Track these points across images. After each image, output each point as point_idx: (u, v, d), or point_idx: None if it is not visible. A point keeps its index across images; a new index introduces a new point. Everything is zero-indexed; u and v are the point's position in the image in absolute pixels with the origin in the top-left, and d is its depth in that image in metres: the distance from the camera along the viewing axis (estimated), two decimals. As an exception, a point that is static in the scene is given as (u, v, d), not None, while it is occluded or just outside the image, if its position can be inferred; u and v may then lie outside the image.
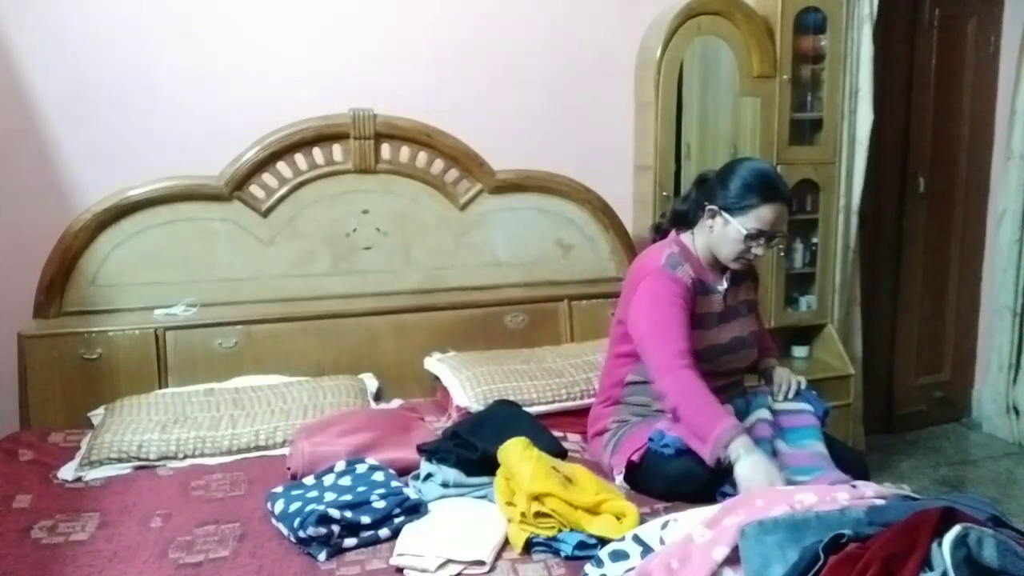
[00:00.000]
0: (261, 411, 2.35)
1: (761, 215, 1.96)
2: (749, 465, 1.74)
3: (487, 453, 1.87)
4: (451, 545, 1.59)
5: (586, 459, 2.12)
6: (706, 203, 2.04)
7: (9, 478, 2.02)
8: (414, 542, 1.62)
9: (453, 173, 2.93)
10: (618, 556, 1.49)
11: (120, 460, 2.11)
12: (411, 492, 1.80)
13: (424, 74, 2.94)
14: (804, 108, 3.19)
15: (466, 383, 2.46)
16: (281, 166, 2.76)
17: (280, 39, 2.80)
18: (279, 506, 1.74)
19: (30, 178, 2.63)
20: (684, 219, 2.14)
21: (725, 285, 2.11)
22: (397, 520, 1.71)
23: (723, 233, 2.02)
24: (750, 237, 1.98)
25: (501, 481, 1.78)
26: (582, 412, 2.33)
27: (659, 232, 2.22)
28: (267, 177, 2.75)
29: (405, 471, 1.96)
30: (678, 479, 1.86)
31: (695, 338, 1.99)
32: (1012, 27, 3.70)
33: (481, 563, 1.56)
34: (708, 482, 1.84)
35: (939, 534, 1.32)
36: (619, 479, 1.97)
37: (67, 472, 2.08)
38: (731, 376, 2.14)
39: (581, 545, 1.60)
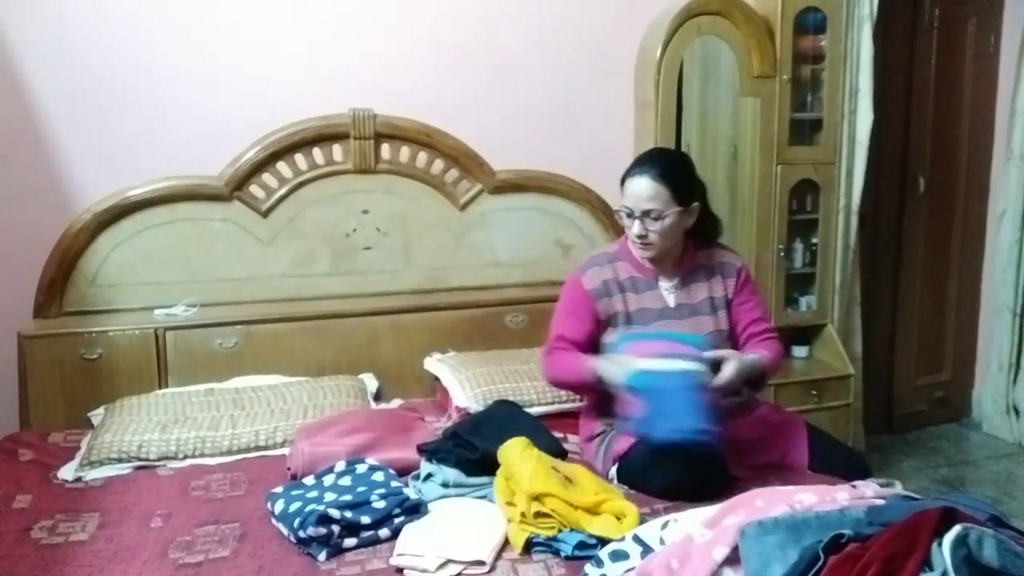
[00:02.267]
0: (261, 411, 2.35)
1: (626, 190, 2.02)
2: (607, 367, 1.92)
3: (487, 453, 1.87)
4: (451, 545, 1.59)
5: (586, 460, 2.12)
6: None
7: (9, 478, 2.02)
8: (414, 542, 1.62)
9: (453, 173, 2.93)
10: (618, 556, 1.49)
11: (120, 460, 2.11)
12: (411, 492, 1.80)
13: (424, 74, 2.94)
14: (804, 108, 3.19)
15: (466, 383, 2.46)
16: (281, 166, 2.76)
17: (280, 39, 2.80)
18: (279, 506, 1.74)
19: (30, 178, 2.63)
20: None
21: (674, 281, 2.11)
22: (397, 520, 1.71)
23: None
24: (626, 215, 2.02)
25: (501, 481, 1.78)
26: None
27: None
28: (267, 177, 2.75)
29: (405, 471, 1.96)
30: (665, 487, 1.85)
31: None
32: (1012, 27, 3.70)
33: (481, 563, 1.56)
34: (695, 489, 1.81)
35: (939, 534, 1.32)
36: (613, 479, 1.96)
37: (67, 472, 2.08)
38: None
39: (581, 545, 1.60)
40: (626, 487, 1.92)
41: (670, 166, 2.05)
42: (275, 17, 2.79)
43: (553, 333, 2.10)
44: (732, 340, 2.13)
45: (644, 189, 1.99)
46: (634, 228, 2.01)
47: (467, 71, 3.00)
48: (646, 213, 1.99)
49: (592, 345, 2.08)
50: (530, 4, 3.05)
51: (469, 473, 1.88)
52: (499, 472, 1.80)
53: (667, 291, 2.11)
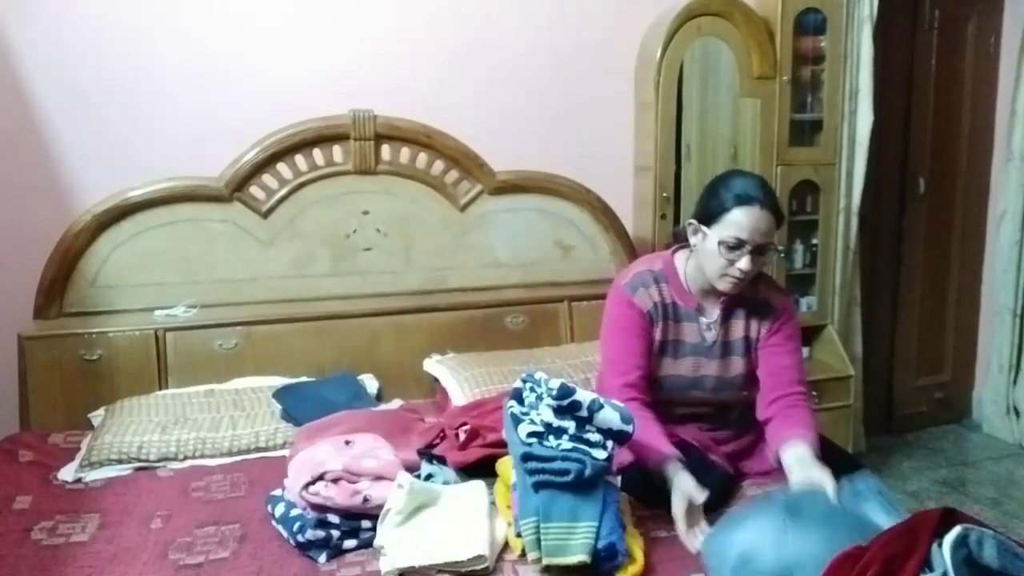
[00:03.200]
0: (261, 412, 2.35)
1: (736, 219, 1.79)
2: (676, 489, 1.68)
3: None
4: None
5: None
6: (687, 221, 1.92)
7: (9, 479, 2.02)
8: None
9: (453, 174, 2.93)
10: None
11: (120, 461, 2.11)
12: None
13: (424, 75, 2.94)
14: (804, 109, 3.19)
15: (465, 384, 2.46)
16: (281, 167, 2.76)
17: (280, 40, 2.80)
18: (279, 510, 1.74)
19: (30, 178, 2.63)
20: (682, 238, 1.98)
21: (715, 317, 1.94)
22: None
23: (704, 248, 1.86)
24: (728, 247, 1.79)
25: (501, 487, 1.78)
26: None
27: (675, 239, 2.08)
28: (267, 178, 2.75)
29: (405, 471, 1.96)
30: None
31: (658, 364, 1.93)
32: (1012, 27, 3.70)
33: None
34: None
35: (939, 535, 1.32)
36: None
37: (67, 473, 2.08)
38: (702, 408, 1.99)
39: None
40: (625, 494, 1.90)
41: (774, 196, 1.88)
42: (275, 17, 2.79)
43: (619, 379, 1.88)
44: (751, 384, 1.97)
45: (763, 223, 1.79)
46: (742, 263, 1.79)
47: (467, 72, 3.00)
48: (759, 249, 1.81)
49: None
50: (530, 5, 3.05)
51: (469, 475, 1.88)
52: (498, 480, 1.80)
53: (707, 327, 1.94)
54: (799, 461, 1.73)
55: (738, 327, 1.95)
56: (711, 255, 1.84)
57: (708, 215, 1.84)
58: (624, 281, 1.96)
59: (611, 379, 1.92)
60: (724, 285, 1.85)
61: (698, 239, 1.88)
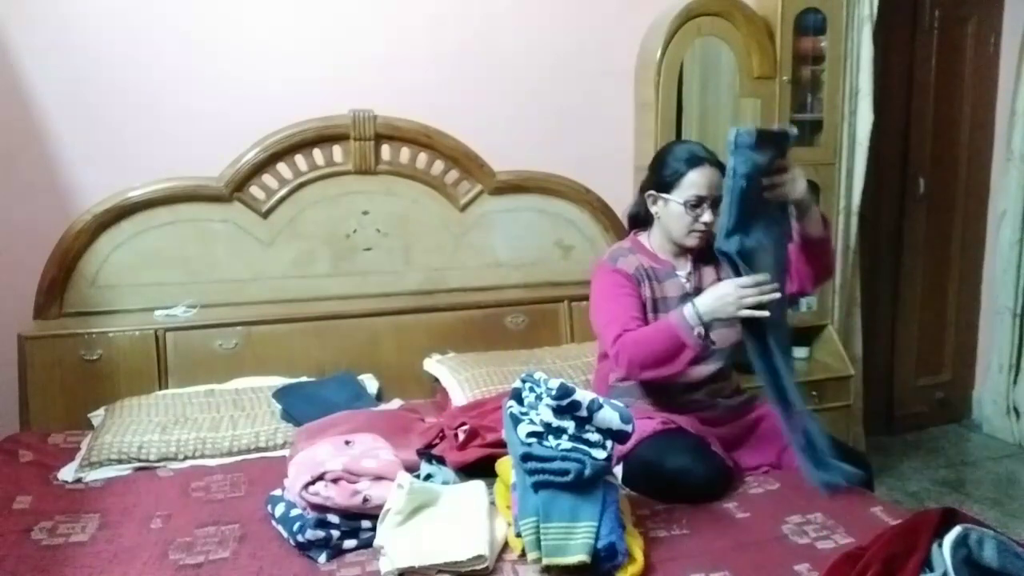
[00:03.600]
0: (261, 412, 2.35)
1: (693, 180, 2.01)
2: (710, 298, 1.88)
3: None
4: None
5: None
6: (645, 194, 2.12)
7: (9, 479, 2.02)
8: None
9: (453, 174, 2.93)
10: None
11: (120, 461, 2.11)
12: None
13: (424, 75, 2.94)
14: (804, 109, 3.19)
15: (465, 384, 2.47)
16: (281, 167, 2.76)
17: (280, 40, 2.80)
18: (279, 510, 1.74)
19: (30, 178, 2.63)
20: (638, 220, 2.21)
21: (688, 268, 2.13)
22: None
23: (667, 213, 2.07)
24: (691, 205, 2.02)
25: (501, 487, 1.78)
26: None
27: (631, 224, 2.27)
28: (267, 178, 2.75)
29: (405, 471, 1.96)
30: (676, 478, 1.85)
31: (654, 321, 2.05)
32: (1012, 27, 3.70)
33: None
34: (707, 482, 1.84)
35: (939, 535, 1.32)
36: (619, 479, 1.96)
37: (67, 473, 2.08)
38: (707, 365, 2.08)
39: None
40: (628, 489, 1.91)
41: (714, 153, 2.09)
42: (275, 18, 2.79)
43: (611, 322, 2.01)
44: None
45: (715, 177, 2.01)
46: (706, 216, 2.02)
47: (467, 72, 3.00)
48: (714, 201, 2.00)
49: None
50: (530, 5, 3.05)
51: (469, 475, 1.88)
52: (498, 480, 1.80)
53: (684, 279, 2.12)
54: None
55: (709, 273, 2.13)
56: (676, 216, 2.05)
57: (665, 183, 2.06)
58: (604, 258, 2.17)
59: (614, 328, 1.99)
60: (692, 241, 2.07)
61: (659, 207, 2.09)
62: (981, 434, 3.84)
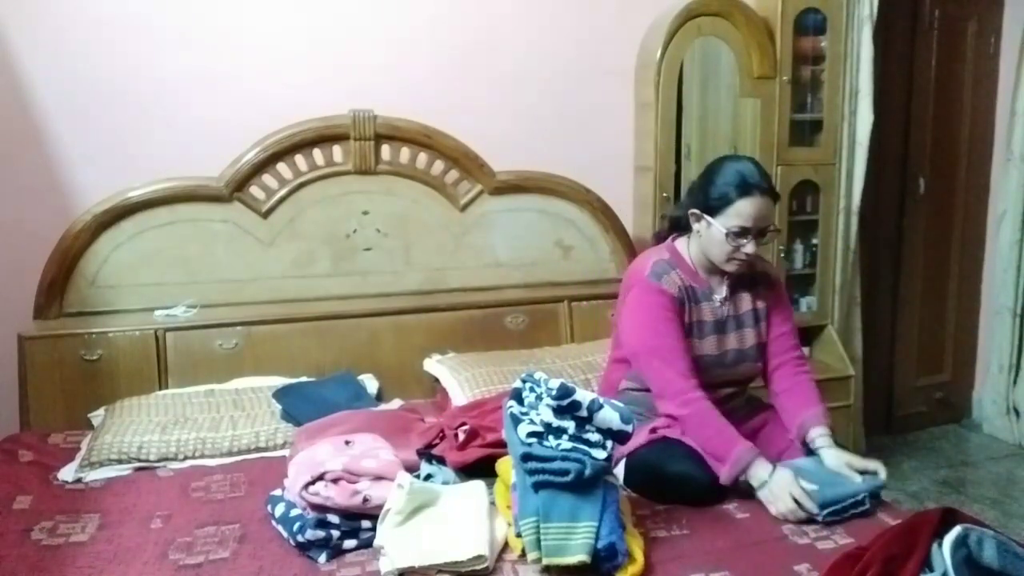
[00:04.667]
0: (261, 412, 2.35)
1: (740, 210, 1.90)
2: (772, 488, 1.79)
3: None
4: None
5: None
6: (690, 209, 2.01)
7: (9, 479, 2.02)
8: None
9: (453, 174, 2.93)
10: None
11: (120, 461, 2.11)
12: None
13: (424, 75, 2.94)
14: (804, 109, 3.19)
15: (465, 384, 2.47)
16: (281, 167, 2.76)
17: (280, 40, 2.80)
18: (279, 510, 1.74)
19: (30, 178, 2.63)
20: (679, 225, 2.11)
21: (724, 293, 2.05)
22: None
23: (709, 236, 1.97)
24: (734, 235, 1.91)
25: (501, 487, 1.78)
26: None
27: (658, 238, 2.19)
28: (267, 178, 2.75)
29: (405, 471, 1.96)
30: (678, 483, 1.85)
31: (687, 346, 1.98)
32: (1012, 27, 3.70)
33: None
34: (708, 488, 1.84)
35: (939, 535, 1.32)
36: (620, 479, 1.96)
37: (67, 473, 2.08)
38: (726, 388, 2.07)
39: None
40: (629, 490, 1.91)
41: (770, 179, 1.98)
42: (275, 18, 2.79)
43: (673, 369, 1.92)
44: (762, 354, 2.11)
45: (764, 208, 1.91)
46: (748, 248, 1.92)
47: (467, 72, 3.00)
48: (761, 232, 1.93)
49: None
50: (530, 5, 3.05)
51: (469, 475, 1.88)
52: (498, 480, 1.80)
53: (720, 303, 2.05)
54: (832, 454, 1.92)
55: (745, 300, 2.08)
56: (716, 242, 1.95)
57: (711, 206, 1.94)
58: (646, 272, 2.01)
59: (666, 369, 1.94)
60: (731, 267, 1.98)
61: (702, 226, 1.98)
62: (981, 434, 3.84)
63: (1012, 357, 3.72)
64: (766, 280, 2.12)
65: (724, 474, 1.82)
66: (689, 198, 2.08)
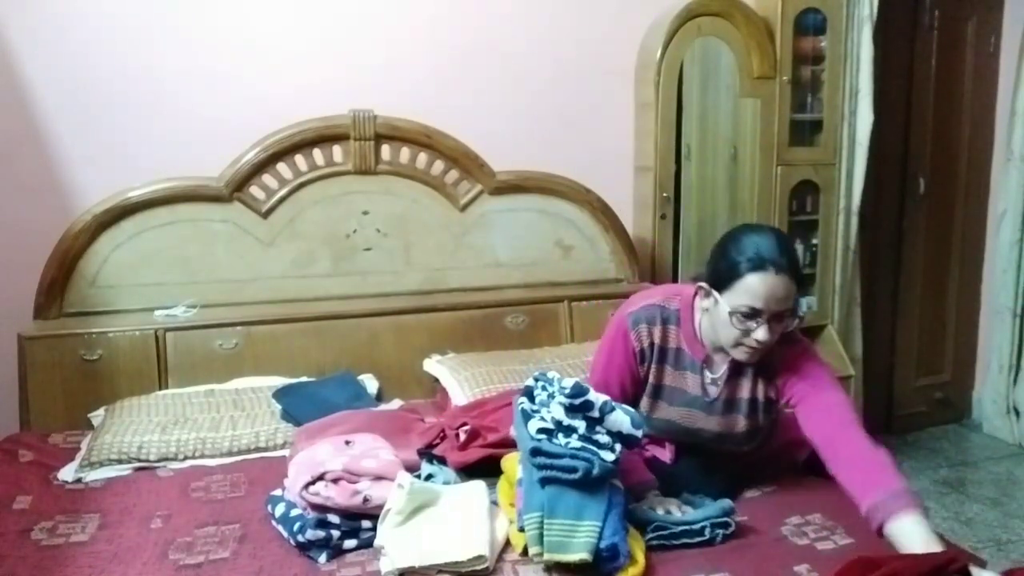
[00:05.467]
0: (261, 412, 2.35)
1: (749, 287, 1.64)
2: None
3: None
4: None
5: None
6: (699, 282, 1.76)
7: (9, 479, 2.02)
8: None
9: (453, 174, 2.93)
10: None
11: (120, 461, 2.11)
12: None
13: (424, 75, 2.94)
14: (804, 109, 3.19)
15: (465, 384, 2.46)
16: (281, 167, 2.76)
17: (280, 40, 2.80)
18: (279, 510, 1.74)
19: (30, 178, 2.63)
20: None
21: (722, 374, 1.81)
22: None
23: (715, 314, 1.72)
24: (741, 316, 1.65)
25: (504, 484, 1.78)
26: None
27: (695, 279, 1.82)
28: (267, 178, 2.75)
29: (405, 471, 1.96)
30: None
31: (652, 406, 1.86)
32: (1012, 27, 3.70)
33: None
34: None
35: None
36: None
37: (67, 473, 2.08)
38: (711, 446, 1.89)
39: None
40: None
41: (794, 256, 1.70)
42: (275, 17, 2.79)
43: (596, 379, 1.84)
44: (755, 437, 1.88)
45: (779, 289, 1.63)
46: (759, 334, 1.65)
47: (467, 72, 3.00)
48: (776, 316, 1.66)
49: (632, 394, 1.87)
50: (530, 5, 3.05)
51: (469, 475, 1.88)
52: (502, 477, 1.80)
53: (711, 381, 1.82)
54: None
55: (744, 386, 1.82)
56: (724, 324, 1.69)
57: (719, 280, 1.70)
58: (629, 310, 1.84)
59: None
60: (740, 355, 1.72)
61: (709, 303, 1.74)
62: (981, 434, 3.85)
63: (1012, 357, 3.72)
64: (772, 361, 1.78)
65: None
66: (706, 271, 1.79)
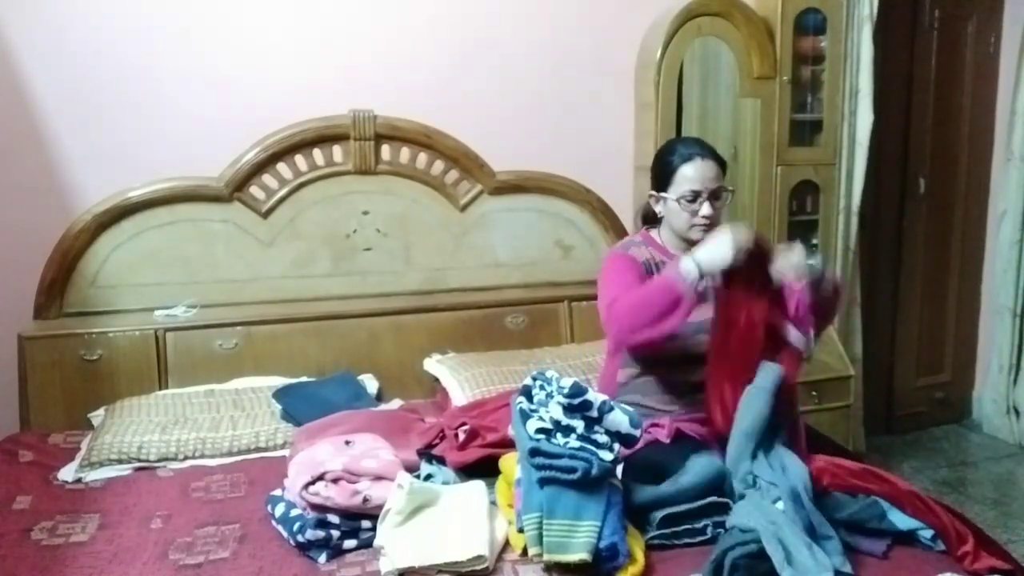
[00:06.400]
0: (261, 412, 2.35)
1: (686, 175, 2.00)
2: (707, 248, 1.82)
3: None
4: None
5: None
6: (648, 195, 2.13)
7: (9, 479, 2.02)
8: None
9: (453, 174, 2.93)
10: None
11: (120, 461, 2.11)
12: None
13: (424, 75, 2.94)
14: (804, 109, 3.19)
15: (465, 384, 2.47)
16: (281, 167, 2.76)
17: (280, 40, 2.80)
18: (279, 510, 1.74)
19: (30, 179, 2.63)
20: (648, 220, 2.20)
21: None
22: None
23: (668, 210, 2.06)
24: (687, 200, 1.99)
25: (503, 484, 1.78)
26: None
27: (643, 221, 2.24)
28: (267, 178, 2.75)
29: (405, 471, 1.96)
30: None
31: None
32: (1012, 27, 3.70)
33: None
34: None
35: None
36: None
37: (67, 473, 2.08)
38: (694, 368, 2.00)
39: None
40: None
41: (712, 147, 2.09)
42: (275, 17, 2.79)
43: (615, 292, 1.95)
44: None
45: (709, 170, 2.01)
46: (704, 210, 1.99)
47: (467, 72, 3.00)
48: (714, 194, 2.00)
49: None
50: (530, 5, 3.05)
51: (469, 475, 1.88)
52: (500, 477, 1.80)
53: None
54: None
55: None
56: (676, 213, 2.03)
57: (662, 181, 2.05)
58: (616, 246, 2.19)
59: (606, 304, 1.94)
60: (696, 234, 2.02)
61: (661, 206, 2.08)
62: (981, 434, 3.84)
63: (1012, 357, 3.71)
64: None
65: (686, 291, 1.78)
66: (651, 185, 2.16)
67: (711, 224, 2.00)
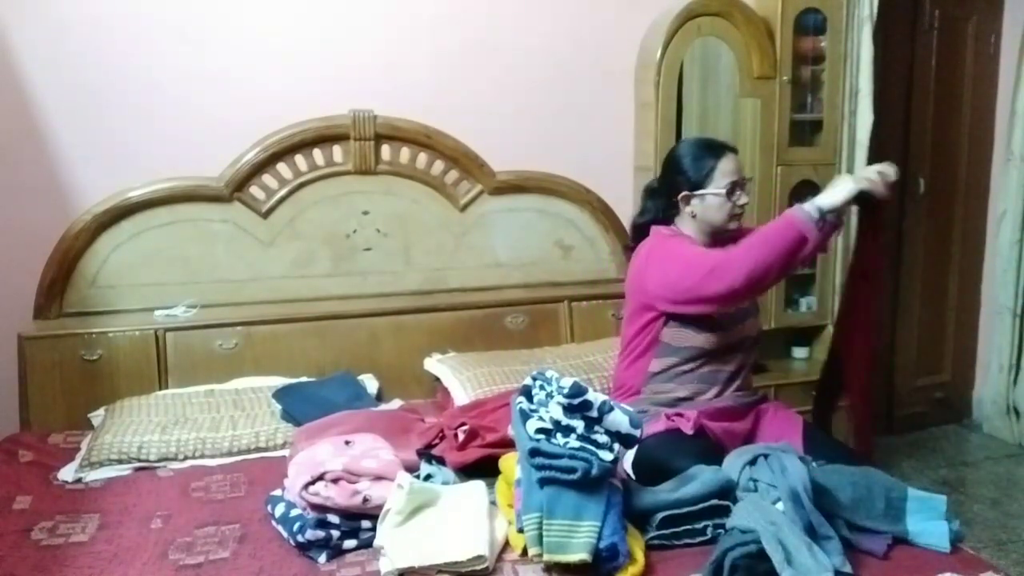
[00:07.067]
0: (261, 412, 2.35)
1: (723, 170, 2.08)
2: (826, 191, 1.93)
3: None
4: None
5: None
6: (675, 199, 2.13)
7: (9, 479, 2.02)
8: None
9: (453, 174, 2.93)
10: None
11: (120, 461, 2.11)
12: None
13: (424, 75, 2.94)
14: (804, 109, 3.19)
15: (466, 384, 2.47)
16: (281, 167, 2.76)
17: (280, 40, 2.80)
18: (279, 510, 1.74)
19: (30, 178, 2.63)
20: (643, 232, 2.20)
21: None
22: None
23: (706, 207, 2.10)
24: (729, 192, 2.08)
25: (503, 485, 1.78)
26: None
27: (629, 250, 2.28)
28: (267, 178, 2.75)
29: (405, 471, 1.96)
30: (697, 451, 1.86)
31: (705, 320, 2.05)
32: (1012, 27, 3.70)
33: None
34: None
35: None
36: (629, 468, 1.94)
37: (67, 473, 2.08)
38: (736, 356, 2.14)
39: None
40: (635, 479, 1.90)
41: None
42: (275, 17, 2.79)
43: (713, 257, 1.97)
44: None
45: (737, 162, 2.12)
46: (743, 198, 2.10)
47: (467, 72, 3.00)
48: (743, 183, 2.11)
49: None
50: (530, 5, 3.05)
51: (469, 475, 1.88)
52: (500, 477, 1.80)
53: None
54: None
55: None
56: (717, 207, 2.09)
57: (699, 180, 2.10)
58: (662, 230, 2.16)
59: (707, 263, 1.96)
60: (735, 223, 2.13)
61: (696, 204, 2.11)
62: (981, 434, 3.84)
63: (1012, 357, 3.71)
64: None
65: (811, 235, 1.86)
66: (659, 197, 2.19)
67: (744, 210, 2.14)
